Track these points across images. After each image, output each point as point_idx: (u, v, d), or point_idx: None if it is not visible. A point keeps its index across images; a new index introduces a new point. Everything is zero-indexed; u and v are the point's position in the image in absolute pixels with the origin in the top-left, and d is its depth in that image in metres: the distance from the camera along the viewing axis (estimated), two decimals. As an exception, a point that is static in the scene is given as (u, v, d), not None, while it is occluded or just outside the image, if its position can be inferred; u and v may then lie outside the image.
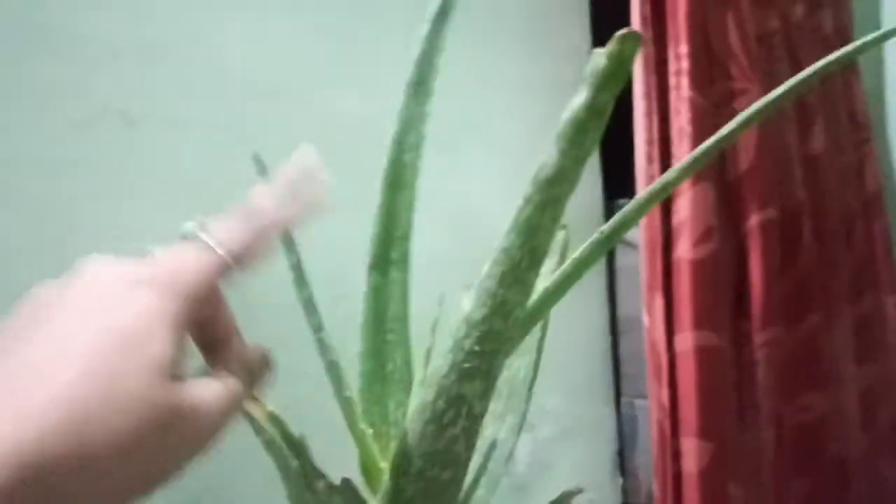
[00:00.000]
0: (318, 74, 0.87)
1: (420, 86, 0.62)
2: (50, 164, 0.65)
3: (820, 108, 1.40)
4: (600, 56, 0.41)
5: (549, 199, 0.44)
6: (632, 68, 0.40)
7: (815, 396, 1.33)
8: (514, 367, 0.65)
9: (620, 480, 1.23)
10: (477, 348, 0.48)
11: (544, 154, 0.43)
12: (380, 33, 0.92)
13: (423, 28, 0.62)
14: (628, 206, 0.51)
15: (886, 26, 1.69)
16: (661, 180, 0.49)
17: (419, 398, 0.51)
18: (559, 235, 0.66)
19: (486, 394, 0.50)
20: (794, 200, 1.28)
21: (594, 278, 1.25)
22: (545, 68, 1.17)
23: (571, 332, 1.21)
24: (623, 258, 1.26)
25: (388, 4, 0.90)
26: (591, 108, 0.41)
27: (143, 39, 0.73)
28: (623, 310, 1.27)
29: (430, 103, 0.62)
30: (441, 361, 0.49)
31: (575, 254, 0.53)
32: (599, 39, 1.31)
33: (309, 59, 0.87)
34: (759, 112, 0.51)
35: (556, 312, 1.19)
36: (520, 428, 0.63)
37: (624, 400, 1.26)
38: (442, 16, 0.62)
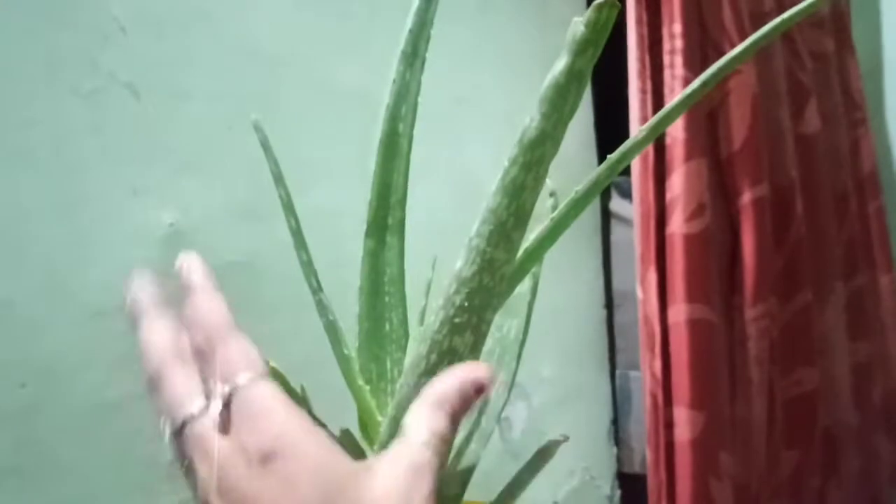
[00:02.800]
0: (319, 45, 0.89)
1: (413, 56, 0.65)
2: (60, 130, 0.68)
3: (814, 87, 1.42)
4: (578, 24, 0.43)
5: (532, 160, 0.46)
6: (606, 35, 0.43)
7: (807, 371, 1.35)
8: (505, 327, 0.68)
9: (615, 449, 1.26)
10: (466, 303, 0.50)
11: (528, 117, 0.45)
12: (378, 4, 0.94)
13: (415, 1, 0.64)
14: (617, 151, 0.53)
15: (884, 7, 1.71)
16: (648, 125, 0.51)
17: (413, 353, 0.53)
18: (548, 202, 0.68)
19: (476, 346, 0.52)
20: (787, 178, 1.30)
21: (589, 253, 1.28)
22: (538, 38, 1.19)
23: (567, 305, 1.24)
24: (617, 233, 1.29)
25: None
26: (570, 73, 0.44)
27: (147, 12, 0.75)
28: (617, 284, 1.30)
29: (422, 73, 0.64)
30: (433, 317, 0.52)
31: (564, 200, 0.56)
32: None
33: (309, 31, 0.89)
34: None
35: (553, 286, 1.22)
36: (511, 385, 0.66)
37: (618, 371, 1.29)
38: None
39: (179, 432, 0.35)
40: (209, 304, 0.41)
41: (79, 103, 0.70)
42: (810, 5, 0.55)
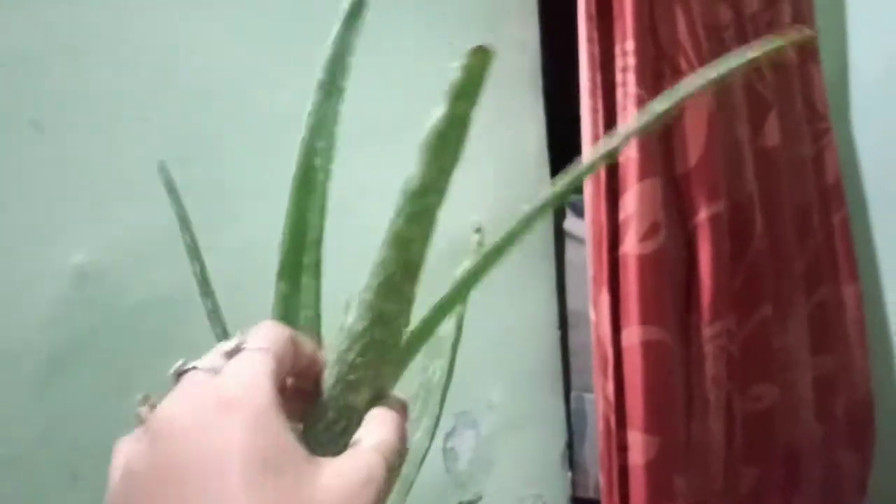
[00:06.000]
0: (246, 74, 0.86)
1: (330, 86, 0.62)
2: None
3: (774, 99, 1.40)
4: (456, 69, 0.42)
5: (418, 211, 0.45)
6: (484, 80, 0.42)
7: (767, 387, 1.34)
8: (430, 369, 0.66)
9: (569, 474, 1.25)
10: (360, 359, 0.49)
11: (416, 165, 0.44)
12: (309, 32, 0.91)
13: (335, 28, 0.62)
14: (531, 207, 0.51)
15: (850, 14, 1.70)
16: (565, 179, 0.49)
17: (313, 409, 0.51)
18: (474, 237, 0.66)
19: (374, 403, 0.50)
20: (745, 194, 1.29)
21: (542, 273, 1.26)
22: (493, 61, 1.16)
23: (519, 327, 1.22)
24: (572, 253, 1.27)
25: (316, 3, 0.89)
26: (451, 120, 0.43)
27: (56, 43, 0.72)
28: (573, 304, 1.28)
29: (341, 104, 0.62)
30: (328, 373, 0.50)
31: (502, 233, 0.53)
32: (547, 33, 1.32)
33: (236, 59, 0.86)
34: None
35: (504, 308, 1.20)
36: (434, 431, 0.64)
37: (573, 394, 1.27)
38: (354, 15, 0.62)
39: (178, 375, 0.37)
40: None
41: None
42: (775, 49, 0.53)
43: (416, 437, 0.64)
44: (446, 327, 0.65)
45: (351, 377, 0.47)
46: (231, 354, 0.38)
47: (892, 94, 1.64)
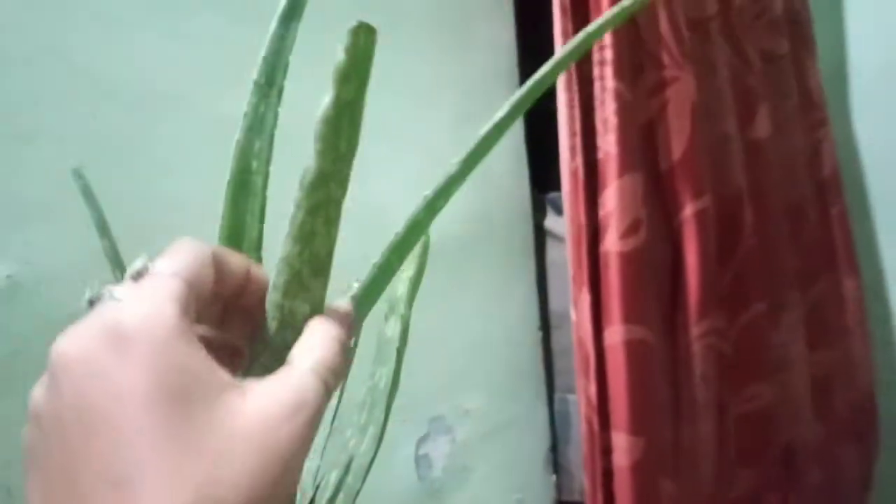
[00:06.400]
0: (187, 77, 0.84)
1: (268, 87, 0.60)
2: None
3: (764, 91, 1.37)
4: (339, 51, 0.40)
5: (319, 203, 0.43)
6: (370, 60, 0.40)
7: (762, 386, 1.31)
8: (377, 375, 0.64)
9: (553, 477, 1.22)
10: (276, 365, 0.47)
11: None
12: (255, 33, 0.89)
13: (272, 26, 0.60)
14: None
15: (848, 5, 1.66)
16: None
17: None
18: (419, 242, 0.64)
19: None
20: (734, 188, 1.26)
21: (522, 273, 1.23)
22: (458, 61, 1.14)
23: (499, 329, 1.20)
24: (553, 252, 1.24)
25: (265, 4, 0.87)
26: (339, 105, 0.41)
27: None
28: (555, 305, 1.25)
29: (279, 105, 0.60)
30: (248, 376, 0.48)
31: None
32: (523, 31, 1.29)
33: (177, 61, 0.84)
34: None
35: (482, 310, 1.18)
36: (380, 439, 0.62)
37: (557, 395, 1.25)
38: (290, 13, 0.60)
39: (91, 303, 0.34)
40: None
41: None
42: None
43: (363, 447, 0.62)
44: (393, 332, 0.63)
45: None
46: (136, 279, 0.34)
47: (892, 84, 1.60)
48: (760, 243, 1.31)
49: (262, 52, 0.59)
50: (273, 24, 0.59)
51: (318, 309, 0.44)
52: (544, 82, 0.51)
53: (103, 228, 0.55)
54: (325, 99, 0.39)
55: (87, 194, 0.54)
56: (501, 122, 0.51)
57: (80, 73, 0.76)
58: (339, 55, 0.38)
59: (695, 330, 1.17)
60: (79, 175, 0.54)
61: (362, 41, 0.38)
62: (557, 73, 0.50)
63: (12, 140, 0.71)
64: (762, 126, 1.35)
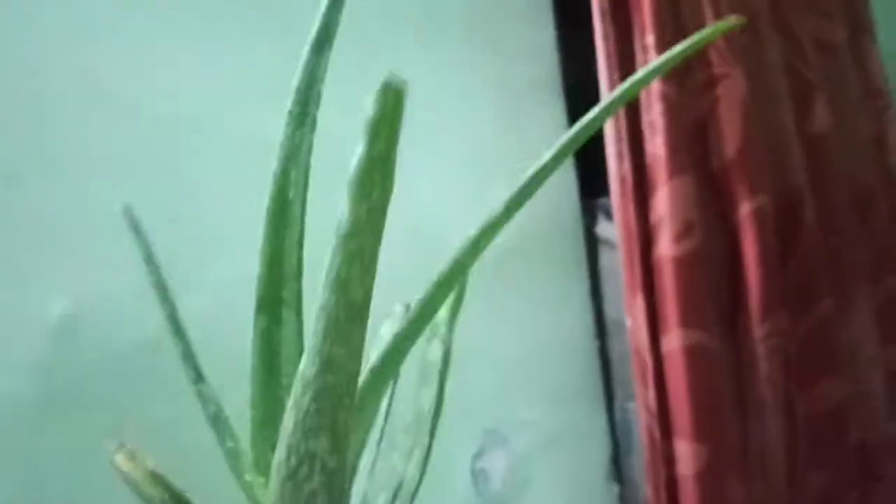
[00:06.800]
0: (224, 100, 0.86)
1: (302, 116, 0.62)
2: None
3: (821, 81, 1.33)
4: (369, 105, 0.41)
5: (353, 252, 0.44)
6: (400, 117, 0.40)
7: (831, 384, 1.27)
8: (420, 398, 0.64)
9: (616, 487, 1.20)
10: (314, 406, 0.48)
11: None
12: (284, 52, 0.91)
13: (304, 55, 0.61)
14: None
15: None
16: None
17: (276, 455, 0.50)
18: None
19: (337, 448, 0.49)
20: (793, 184, 1.22)
21: (575, 281, 1.22)
22: (504, 67, 1.13)
23: (553, 339, 1.19)
24: (606, 259, 1.23)
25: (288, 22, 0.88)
26: (370, 160, 0.41)
27: (18, 96, 0.74)
28: (611, 312, 1.24)
29: (313, 133, 0.62)
30: (287, 418, 0.49)
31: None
32: (564, 38, 1.28)
33: (213, 86, 0.86)
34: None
35: (534, 321, 1.17)
36: (425, 462, 0.63)
37: (617, 404, 1.23)
38: (321, 42, 0.61)
39: None
40: None
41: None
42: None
43: (410, 472, 0.62)
44: (435, 355, 0.64)
45: (308, 423, 0.46)
46: None
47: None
48: (825, 238, 1.27)
49: (295, 82, 0.60)
50: (305, 54, 0.59)
51: (355, 353, 0.45)
52: (591, 127, 0.51)
53: (152, 263, 0.57)
54: (357, 152, 0.40)
55: (136, 230, 0.56)
56: (546, 166, 0.51)
57: (119, 106, 0.79)
58: (368, 110, 0.39)
59: (758, 331, 1.15)
60: (127, 211, 0.56)
61: (391, 99, 0.39)
62: (605, 119, 0.50)
63: (60, 179, 0.74)
64: (821, 118, 1.31)
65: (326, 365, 0.45)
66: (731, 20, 0.49)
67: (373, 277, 0.45)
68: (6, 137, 0.73)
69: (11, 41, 0.74)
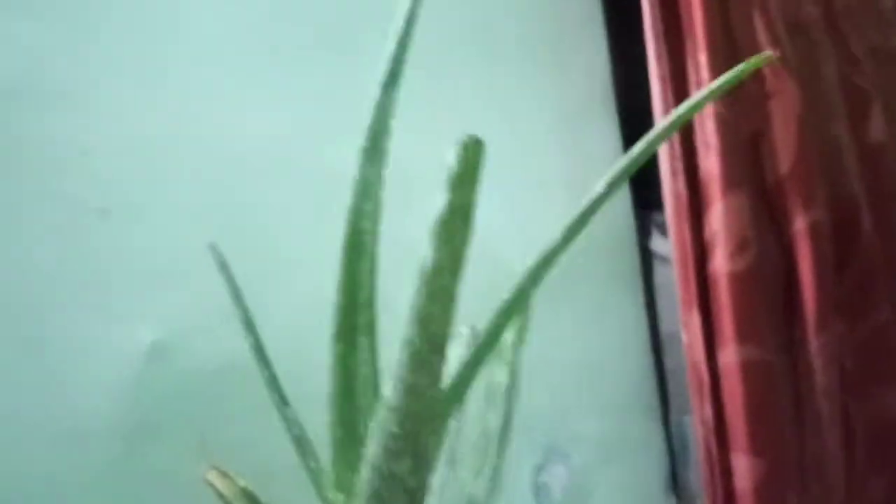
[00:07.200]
0: (303, 136, 0.90)
1: (373, 151, 0.65)
2: (25, 265, 0.72)
3: (877, 90, 1.32)
4: (451, 159, 0.44)
5: (435, 290, 0.47)
6: (479, 170, 0.44)
7: (890, 391, 1.26)
8: (487, 418, 0.67)
9: (674, 501, 1.21)
10: (398, 430, 0.51)
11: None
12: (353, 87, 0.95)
13: (374, 93, 0.65)
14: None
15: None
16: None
17: (360, 476, 0.54)
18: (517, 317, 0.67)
19: (417, 469, 0.53)
20: (849, 194, 1.22)
21: (629, 297, 1.24)
22: (558, 86, 1.15)
23: (608, 353, 1.20)
24: (661, 274, 1.24)
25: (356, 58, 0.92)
26: (451, 209, 0.45)
27: (116, 136, 0.79)
28: (666, 326, 1.25)
29: (385, 168, 0.65)
30: (372, 442, 0.53)
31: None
32: (618, 59, 1.29)
33: (289, 122, 0.90)
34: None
35: (590, 336, 1.19)
36: (495, 479, 0.65)
37: (673, 418, 1.24)
38: (392, 80, 0.65)
39: None
40: None
41: (42, 234, 0.74)
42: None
43: (480, 490, 0.65)
44: (501, 376, 0.66)
45: (391, 447, 0.50)
46: None
47: None
48: (881, 246, 1.26)
49: (368, 120, 0.63)
50: (376, 92, 0.63)
51: (435, 381, 0.48)
52: (644, 153, 0.54)
53: (238, 298, 0.61)
54: (440, 202, 0.43)
55: (222, 267, 0.60)
56: (601, 196, 0.54)
57: (201, 146, 0.84)
58: (450, 162, 0.42)
59: (814, 343, 1.15)
60: (214, 250, 0.59)
61: (471, 153, 0.42)
62: (658, 144, 0.52)
63: (148, 214, 0.78)
64: (877, 127, 1.30)
65: (410, 392, 0.48)
66: (767, 55, 0.51)
67: (452, 314, 0.48)
68: (99, 175, 0.78)
69: (106, 87, 0.79)
